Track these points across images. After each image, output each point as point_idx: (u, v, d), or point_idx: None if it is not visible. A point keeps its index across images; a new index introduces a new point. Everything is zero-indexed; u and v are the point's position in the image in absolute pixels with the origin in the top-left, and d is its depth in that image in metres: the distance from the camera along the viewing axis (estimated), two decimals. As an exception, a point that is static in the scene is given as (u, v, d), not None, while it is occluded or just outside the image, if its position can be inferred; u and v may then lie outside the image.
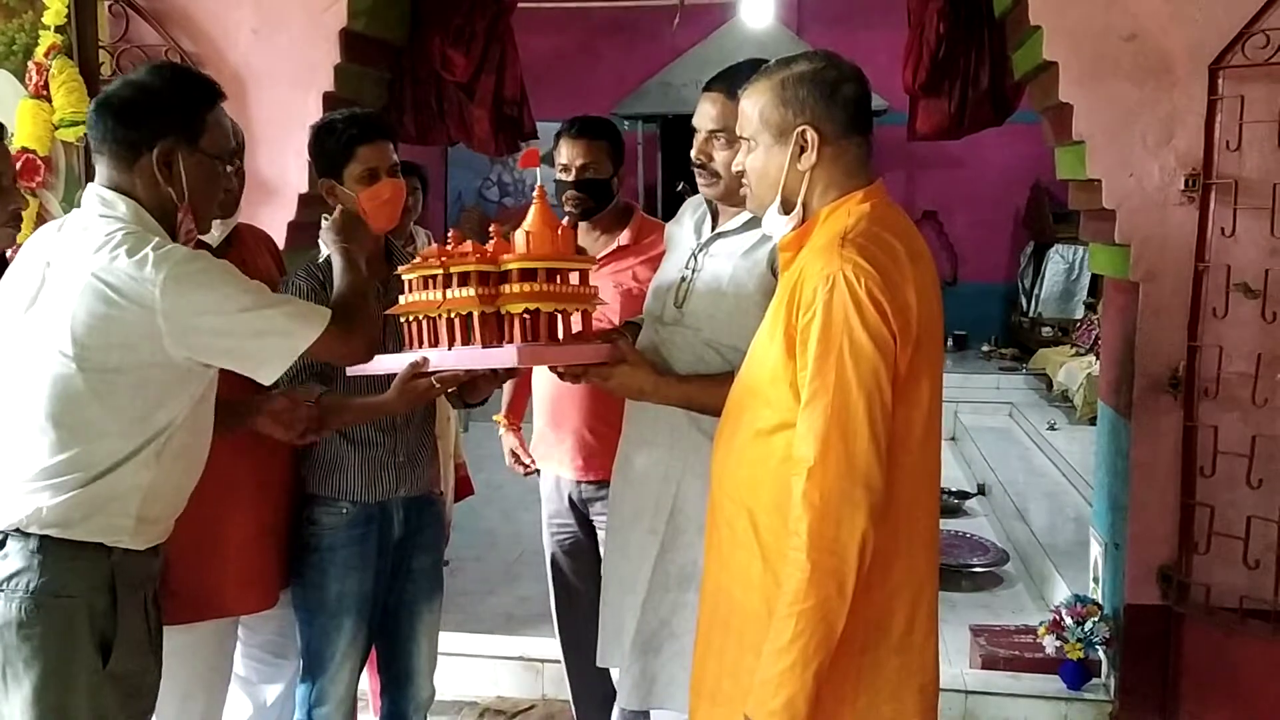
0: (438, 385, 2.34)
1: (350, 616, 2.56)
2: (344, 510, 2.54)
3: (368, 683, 3.08)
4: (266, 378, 1.99)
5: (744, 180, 1.97)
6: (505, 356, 2.14)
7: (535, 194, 2.27)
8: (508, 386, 3.25)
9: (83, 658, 1.92)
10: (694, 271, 2.34)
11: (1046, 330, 9.58)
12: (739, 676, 1.88)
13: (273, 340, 1.96)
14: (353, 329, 2.08)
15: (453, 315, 2.20)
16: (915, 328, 1.77)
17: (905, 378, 1.77)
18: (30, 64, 3.30)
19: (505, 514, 5.80)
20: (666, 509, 2.32)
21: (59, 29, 3.31)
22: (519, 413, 3.33)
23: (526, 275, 2.16)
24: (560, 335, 2.23)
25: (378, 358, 2.35)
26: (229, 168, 2.11)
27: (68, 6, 3.31)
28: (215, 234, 2.49)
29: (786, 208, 1.90)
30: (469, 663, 3.78)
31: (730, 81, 2.19)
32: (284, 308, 1.98)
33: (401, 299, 2.32)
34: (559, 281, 2.21)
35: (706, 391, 2.21)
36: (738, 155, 1.99)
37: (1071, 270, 9.60)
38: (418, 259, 2.29)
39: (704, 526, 2.17)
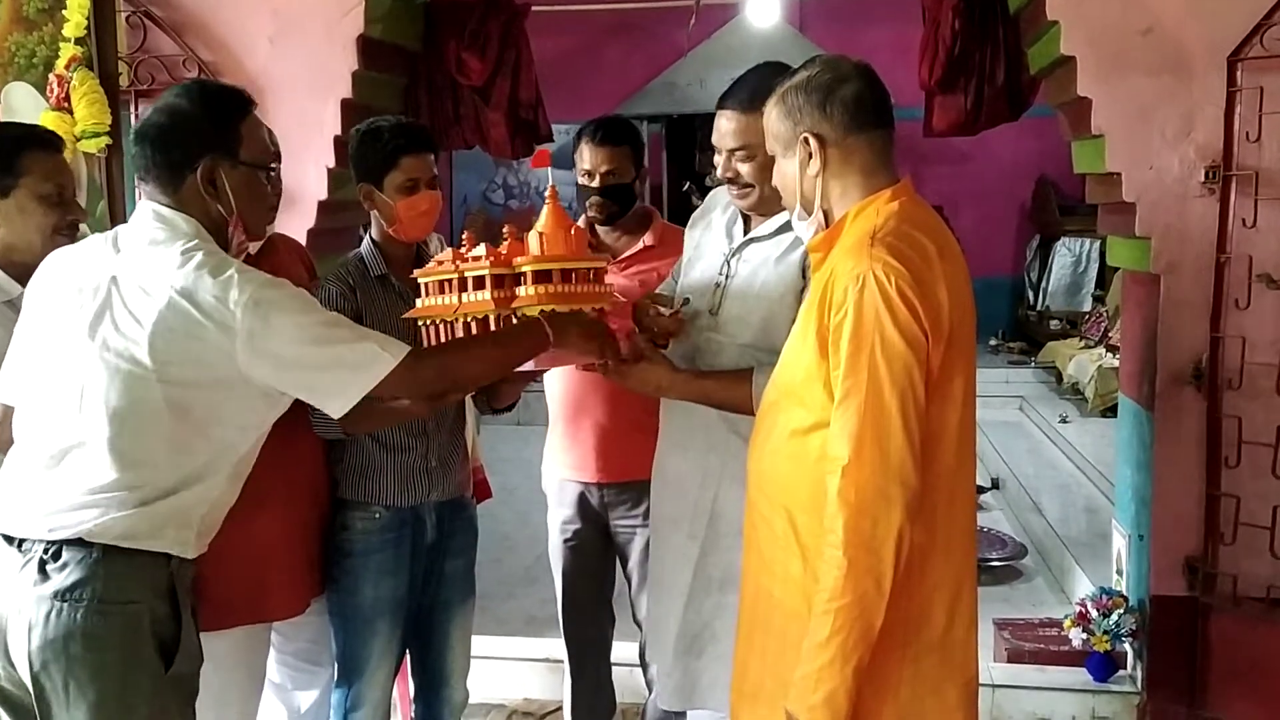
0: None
1: (384, 620, 2.57)
2: (377, 515, 2.55)
3: (396, 689, 3.09)
4: (335, 411, 2.00)
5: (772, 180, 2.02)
6: None
7: (548, 194, 2.27)
8: None
9: (146, 664, 1.93)
10: (727, 277, 2.34)
11: (1055, 323, 9.58)
12: (780, 674, 1.89)
13: (342, 374, 1.96)
14: (423, 375, 2.07)
15: (469, 319, 2.21)
16: (947, 325, 1.78)
17: (939, 375, 1.79)
18: (51, 76, 3.30)
19: (521, 517, 5.81)
20: (705, 513, 2.34)
21: (79, 41, 3.31)
22: None
23: (541, 277, 2.17)
24: None
25: None
26: (270, 173, 2.13)
27: (87, 19, 3.31)
28: (254, 246, 2.51)
29: (807, 212, 1.94)
30: (495, 665, 3.79)
31: (741, 95, 2.21)
32: (358, 343, 1.98)
33: (418, 302, 2.33)
34: (574, 281, 2.22)
35: (725, 387, 2.23)
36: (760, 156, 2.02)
37: (1079, 263, 9.60)
38: (432, 263, 2.30)
39: (742, 530, 2.19)
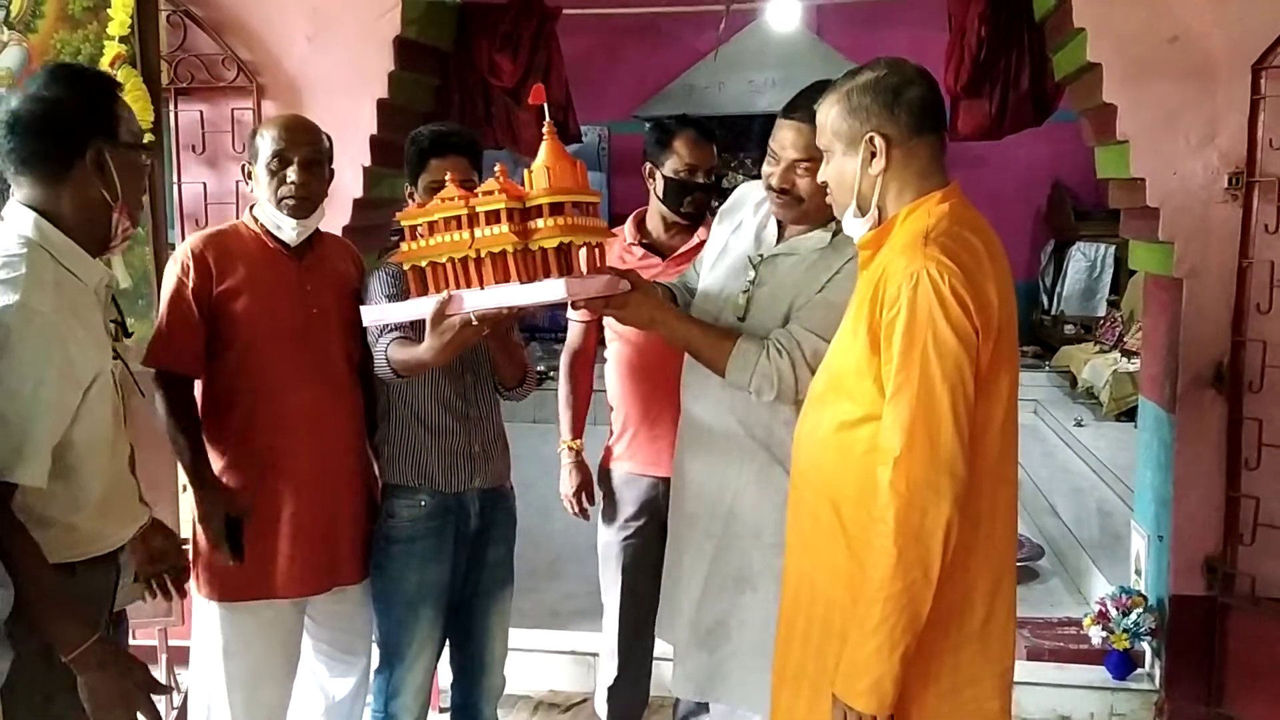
0: (476, 323, 2.26)
1: (428, 606, 2.64)
2: (422, 503, 2.62)
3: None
4: None
5: (827, 190, 2.03)
6: (553, 290, 2.11)
7: (546, 131, 2.22)
8: (564, 401, 3.23)
9: None
10: (754, 285, 2.38)
11: (1069, 328, 9.61)
12: (823, 660, 1.96)
13: None
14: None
15: (483, 254, 2.17)
16: (996, 322, 1.83)
17: (986, 371, 1.83)
18: (96, 73, 3.37)
19: (542, 512, 5.81)
20: (722, 515, 2.39)
21: (123, 39, 3.37)
22: (582, 427, 3.28)
23: (555, 209, 2.14)
24: (585, 268, 2.22)
25: (388, 305, 2.36)
26: (147, 154, 2.09)
27: (131, 18, 3.38)
28: (293, 235, 2.59)
29: (862, 210, 1.96)
30: (521, 657, 3.82)
31: (809, 106, 2.19)
32: (18, 440, 1.80)
33: (404, 246, 2.30)
34: (582, 214, 2.19)
35: (707, 338, 2.30)
36: (820, 168, 2.04)
37: (1093, 268, 9.62)
38: (434, 202, 2.25)
39: (758, 531, 2.28)
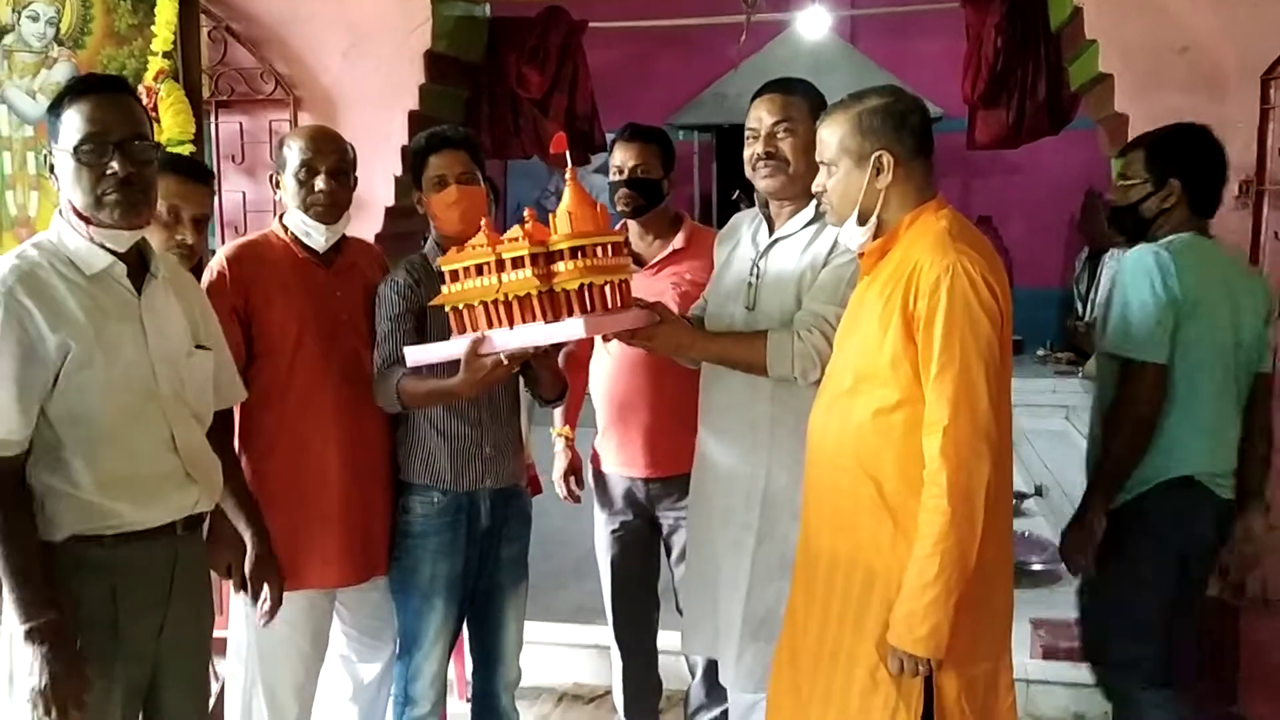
0: (506, 361, 2.40)
1: (441, 598, 2.75)
2: (434, 499, 2.73)
3: (453, 669, 3.25)
4: None
5: (824, 199, 2.22)
6: (573, 328, 2.27)
7: (568, 176, 2.38)
8: None
9: None
10: (758, 276, 2.52)
11: (1102, 335, 9.59)
12: (863, 627, 2.12)
13: None
14: None
15: (510, 297, 2.32)
16: (1008, 308, 2.05)
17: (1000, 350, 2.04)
18: (140, 87, 3.51)
19: (570, 513, 5.86)
20: (758, 502, 2.49)
21: (166, 55, 3.53)
22: (575, 419, 3.43)
23: (576, 252, 2.30)
24: (609, 305, 2.35)
25: (432, 345, 2.49)
26: (98, 155, 2.11)
27: (174, 34, 3.53)
28: (321, 241, 2.72)
29: (863, 220, 2.15)
30: (547, 650, 3.96)
31: (778, 84, 2.48)
32: None
33: (443, 289, 2.45)
34: (604, 254, 2.34)
35: (740, 345, 2.44)
36: (818, 177, 2.21)
37: (1127, 275, 9.60)
38: (466, 249, 2.39)
39: (798, 512, 2.35)
